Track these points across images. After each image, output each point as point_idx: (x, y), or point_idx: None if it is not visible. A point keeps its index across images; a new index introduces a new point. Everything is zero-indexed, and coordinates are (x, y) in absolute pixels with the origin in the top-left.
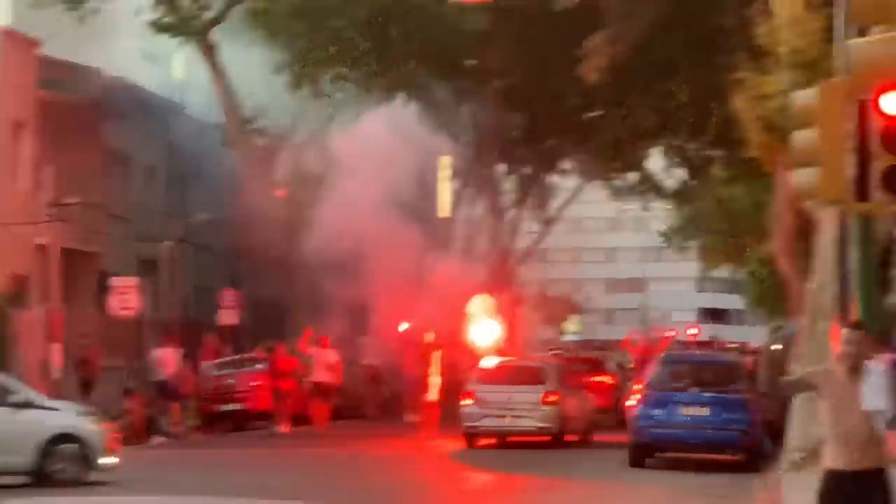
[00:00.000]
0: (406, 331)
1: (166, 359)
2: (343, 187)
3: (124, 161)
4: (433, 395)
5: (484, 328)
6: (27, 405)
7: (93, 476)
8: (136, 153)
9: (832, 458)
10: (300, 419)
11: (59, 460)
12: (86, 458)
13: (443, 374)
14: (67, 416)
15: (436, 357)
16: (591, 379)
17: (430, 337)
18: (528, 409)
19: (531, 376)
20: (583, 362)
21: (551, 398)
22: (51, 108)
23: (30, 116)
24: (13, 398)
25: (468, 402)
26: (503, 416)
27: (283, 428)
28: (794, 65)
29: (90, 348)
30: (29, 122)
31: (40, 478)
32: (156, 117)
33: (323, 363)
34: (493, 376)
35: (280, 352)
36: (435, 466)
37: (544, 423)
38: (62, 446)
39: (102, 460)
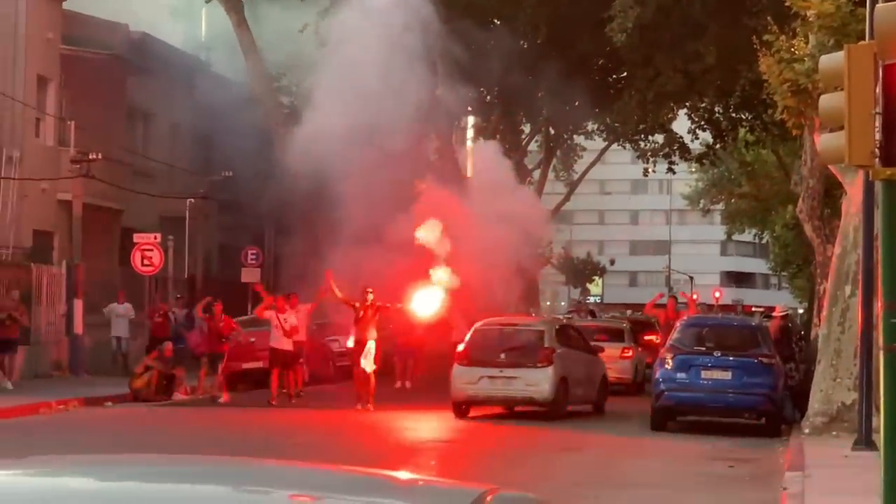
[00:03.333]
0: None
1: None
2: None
3: (148, 118)
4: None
5: (426, 298)
6: (591, 350)
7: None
8: (160, 110)
9: None
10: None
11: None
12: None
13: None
14: (600, 361)
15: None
16: (643, 338)
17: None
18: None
19: (614, 334)
20: (634, 323)
21: (628, 353)
22: (75, 64)
23: (54, 72)
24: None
25: None
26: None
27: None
28: (822, 28)
29: (18, 306)
30: (53, 77)
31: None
32: (180, 74)
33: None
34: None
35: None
36: (458, 425)
37: (622, 374)
38: (601, 386)
39: None
